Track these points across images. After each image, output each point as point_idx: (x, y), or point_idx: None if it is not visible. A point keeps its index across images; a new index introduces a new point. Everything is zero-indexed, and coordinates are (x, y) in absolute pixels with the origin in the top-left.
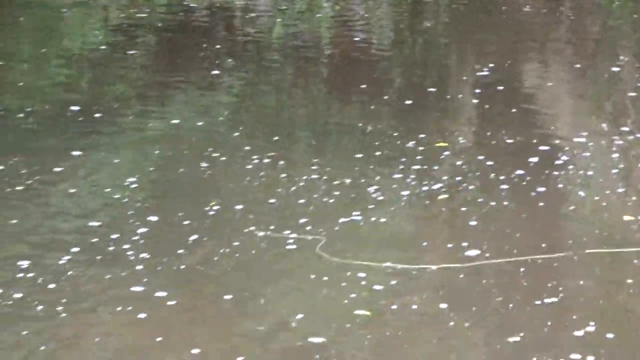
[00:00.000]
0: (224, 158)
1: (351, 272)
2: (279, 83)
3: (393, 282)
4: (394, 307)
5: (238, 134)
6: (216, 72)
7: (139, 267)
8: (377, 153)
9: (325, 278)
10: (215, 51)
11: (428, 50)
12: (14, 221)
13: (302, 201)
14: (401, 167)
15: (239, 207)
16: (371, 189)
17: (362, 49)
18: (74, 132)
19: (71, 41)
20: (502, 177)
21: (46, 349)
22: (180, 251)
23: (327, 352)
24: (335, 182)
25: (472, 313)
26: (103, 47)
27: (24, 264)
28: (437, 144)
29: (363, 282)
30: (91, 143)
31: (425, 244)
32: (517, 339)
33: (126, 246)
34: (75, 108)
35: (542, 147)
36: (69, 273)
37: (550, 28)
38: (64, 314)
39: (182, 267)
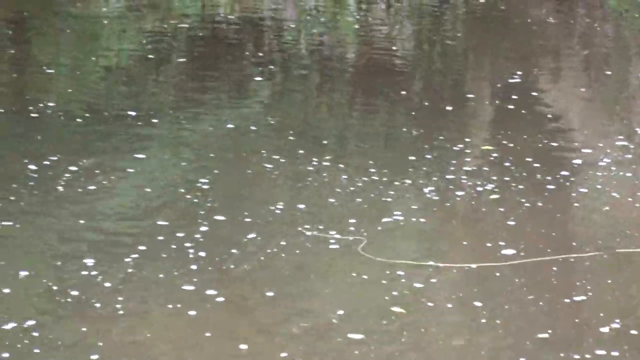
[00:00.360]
0: (283, 160)
1: (391, 271)
2: (313, 90)
3: (433, 281)
4: (431, 304)
5: (292, 138)
6: (255, 79)
7: (194, 266)
8: (428, 156)
9: (365, 277)
10: (250, 60)
11: (456, 58)
12: (82, 221)
13: (358, 200)
14: (452, 168)
15: (301, 206)
16: (426, 190)
17: (389, 57)
18: (131, 136)
19: (110, 50)
20: (548, 178)
21: (102, 346)
22: (233, 250)
23: (367, 349)
24: (395, 183)
25: (503, 311)
26: (140, 55)
27: (90, 262)
28: (484, 147)
29: (403, 280)
30: (151, 145)
31: (465, 243)
32: (546, 335)
33: (188, 244)
34: (131, 113)
35: (584, 150)
36: (129, 271)
37: (578, 36)
38: (120, 312)
39: (232, 266)
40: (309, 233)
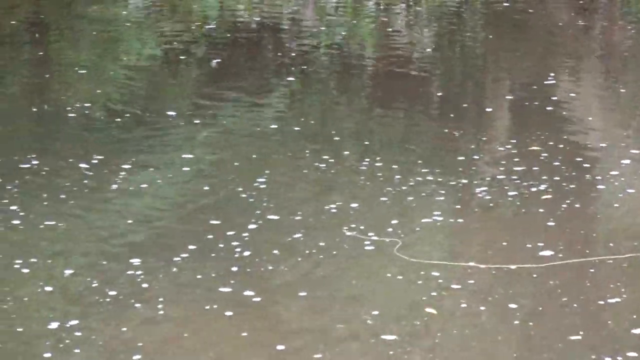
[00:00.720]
0: (332, 160)
1: (428, 272)
2: (345, 91)
3: (470, 282)
4: (464, 306)
5: (337, 138)
6: (281, 81)
7: (235, 268)
8: (476, 157)
9: (401, 277)
10: (274, 62)
11: (488, 60)
12: (130, 221)
13: (409, 199)
14: (501, 168)
15: (354, 205)
16: (478, 190)
17: (418, 59)
18: (174, 135)
19: (129, 53)
20: (598, 178)
21: (143, 347)
22: (275, 251)
23: (400, 350)
24: (451, 183)
25: (537, 312)
26: (158, 58)
27: (136, 261)
28: (531, 148)
29: (440, 281)
30: (195, 145)
31: (504, 243)
32: (578, 337)
33: (235, 243)
34: (170, 113)
35: (633, 151)
36: (173, 270)
37: (609, 39)
38: (161, 312)
39: (270, 267)
40: (348, 233)
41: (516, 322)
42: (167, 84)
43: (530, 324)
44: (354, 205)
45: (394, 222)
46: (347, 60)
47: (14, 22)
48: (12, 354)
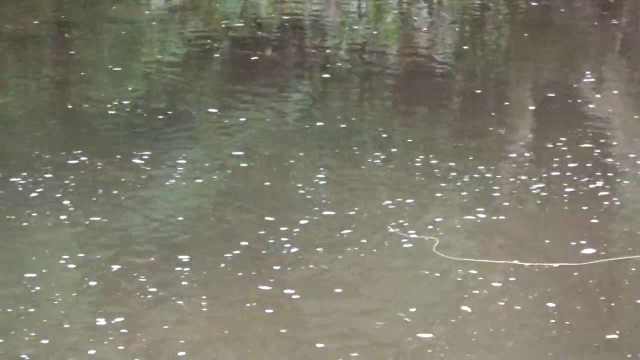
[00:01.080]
0: (384, 156)
1: (466, 270)
2: (379, 90)
3: (511, 279)
4: (502, 303)
5: (384, 135)
6: (312, 78)
7: (280, 264)
8: (526, 154)
9: (438, 275)
10: (291, 62)
11: (523, 58)
12: (181, 218)
13: (463, 194)
14: (555, 165)
15: (409, 201)
16: (533, 187)
17: (452, 57)
18: (215, 131)
19: (150, 53)
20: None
21: (185, 344)
22: (319, 249)
23: (437, 349)
24: (510, 179)
25: (575, 311)
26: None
27: (185, 258)
28: (583, 145)
29: (480, 279)
30: (232, 140)
31: (547, 241)
32: (615, 336)
33: (284, 239)
34: (212, 110)
35: None
36: (221, 266)
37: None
38: (204, 309)
39: (311, 266)
40: (391, 230)
41: (552, 320)
42: (198, 80)
43: (567, 322)
44: (409, 201)
45: (438, 219)
46: (376, 59)
47: (36, 22)
48: (59, 349)
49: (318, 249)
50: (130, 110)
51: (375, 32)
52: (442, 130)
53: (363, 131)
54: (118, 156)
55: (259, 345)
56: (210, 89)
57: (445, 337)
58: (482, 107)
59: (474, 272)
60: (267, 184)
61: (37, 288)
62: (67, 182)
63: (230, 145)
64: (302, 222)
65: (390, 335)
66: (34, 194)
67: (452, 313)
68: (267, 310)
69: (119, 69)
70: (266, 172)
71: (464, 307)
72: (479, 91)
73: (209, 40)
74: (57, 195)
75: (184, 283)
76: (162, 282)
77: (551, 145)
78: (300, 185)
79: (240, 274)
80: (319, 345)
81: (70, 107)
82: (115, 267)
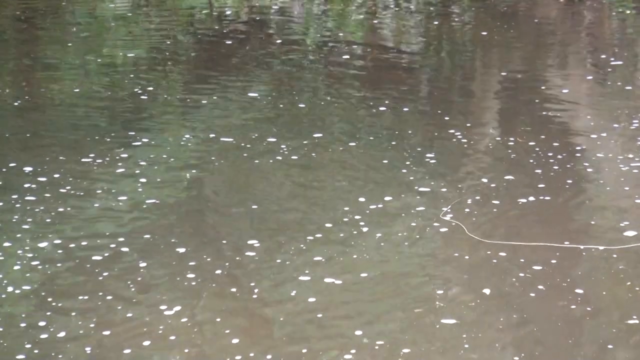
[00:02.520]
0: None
1: (512, 254)
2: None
3: (552, 262)
4: (542, 287)
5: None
6: (277, 72)
7: (319, 256)
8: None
9: (474, 258)
10: (256, 56)
11: (486, 48)
12: (249, 223)
13: (509, 177)
14: (595, 149)
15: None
16: (563, 170)
17: (401, 50)
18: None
19: (115, 50)
20: None
21: (239, 330)
22: (365, 228)
23: (458, 335)
24: (569, 165)
25: (600, 295)
26: (146, 54)
27: (251, 253)
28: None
29: (521, 260)
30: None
31: (593, 223)
32: (636, 322)
33: (329, 225)
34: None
35: None
36: (289, 254)
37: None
38: (255, 295)
39: (355, 255)
40: (444, 217)
41: (573, 306)
42: (161, 75)
43: (589, 309)
44: (484, 180)
45: (494, 201)
46: (341, 50)
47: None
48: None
49: (351, 244)
50: (92, 105)
51: (340, 25)
52: (409, 120)
53: (327, 117)
54: (79, 150)
55: (306, 329)
56: (175, 82)
57: (470, 321)
58: (448, 98)
59: (523, 254)
60: (313, 182)
61: None
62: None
63: (195, 134)
64: (371, 209)
65: (424, 320)
66: None
67: (475, 295)
68: (310, 299)
69: (81, 63)
70: (231, 161)
71: (490, 290)
72: (445, 81)
73: (172, 34)
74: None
75: (246, 272)
76: (227, 273)
77: (594, 136)
78: (339, 179)
79: (288, 262)
80: (357, 332)
81: (31, 101)
82: (181, 250)
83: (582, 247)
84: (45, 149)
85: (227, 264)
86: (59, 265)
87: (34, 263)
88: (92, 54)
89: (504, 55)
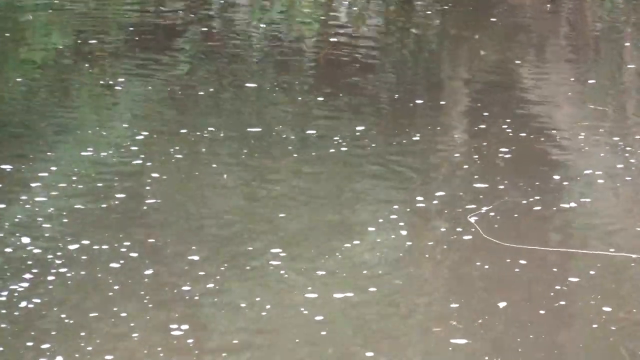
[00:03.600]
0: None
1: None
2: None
3: (592, 273)
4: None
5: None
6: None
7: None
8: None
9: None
10: (192, 50)
11: (454, 41)
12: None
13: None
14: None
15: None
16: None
17: (359, 44)
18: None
19: (36, 44)
20: None
21: (267, 313)
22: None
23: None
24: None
25: (631, 304)
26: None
27: (277, 251)
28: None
29: (555, 270)
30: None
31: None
32: None
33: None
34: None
35: None
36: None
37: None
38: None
39: (363, 262)
40: (472, 219)
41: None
42: (83, 70)
43: (620, 314)
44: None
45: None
46: (289, 40)
47: None
48: None
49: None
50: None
51: (290, 15)
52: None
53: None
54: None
55: (344, 326)
56: (100, 73)
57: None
58: (412, 98)
59: (563, 261)
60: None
61: None
62: None
63: (122, 127)
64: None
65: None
66: None
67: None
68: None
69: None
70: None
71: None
72: (410, 79)
73: (104, 28)
74: None
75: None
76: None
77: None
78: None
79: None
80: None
81: None
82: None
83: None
84: None
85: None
86: None
87: None
88: (10, 50)
89: (474, 49)
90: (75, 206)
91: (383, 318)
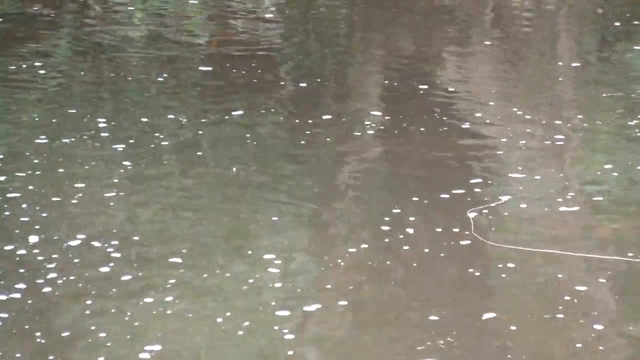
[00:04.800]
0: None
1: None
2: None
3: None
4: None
5: None
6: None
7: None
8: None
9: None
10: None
11: (366, 33)
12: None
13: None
14: None
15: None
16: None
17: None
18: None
19: None
20: None
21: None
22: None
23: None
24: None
25: (630, 309)
26: None
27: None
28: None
29: (579, 274)
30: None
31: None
32: None
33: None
34: None
35: None
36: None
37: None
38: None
39: (371, 262)
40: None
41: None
42: None
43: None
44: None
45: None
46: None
47: None
48: None
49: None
50: None
51: (178, 7)
52: (266, 127)
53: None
54: None
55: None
56: None
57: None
58: (317, 98)
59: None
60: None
61: None
62: None
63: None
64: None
65: (468, 333)
66: None
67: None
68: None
69: None
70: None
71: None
72: (315, 76)
73: None
74: None
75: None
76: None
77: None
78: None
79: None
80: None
81: None
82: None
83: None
84: None
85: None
86: None
87: None
88: None
89: (388, 41)
90: None
91: None
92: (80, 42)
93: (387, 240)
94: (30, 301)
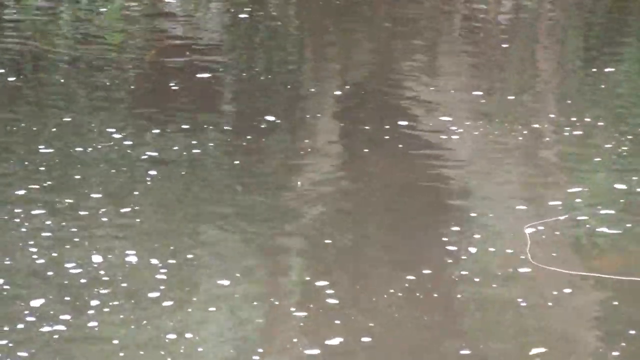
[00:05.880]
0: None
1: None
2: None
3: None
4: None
5: None
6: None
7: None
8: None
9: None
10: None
11: (317, 46)
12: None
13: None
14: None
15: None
16: None
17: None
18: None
19: None
20: None
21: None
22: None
23: None
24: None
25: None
26: None
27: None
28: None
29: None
30: None
31: None
32: None
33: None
34: None
35: None
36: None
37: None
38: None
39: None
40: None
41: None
42: None
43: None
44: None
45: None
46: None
47: None
48: None
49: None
50: None
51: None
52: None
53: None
54: None
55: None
56: None
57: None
58: (268, 110)
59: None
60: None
61: None
62: None
63: None
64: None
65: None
66: None
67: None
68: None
69: None
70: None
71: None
72: (263, 87)
73: None
74: None
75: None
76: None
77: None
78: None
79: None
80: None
81: None
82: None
83: None
84: None
85: None
86: None
87: None
88: None
89: (344, 52)
90: None
91: None
92: None
93: None
94: None
